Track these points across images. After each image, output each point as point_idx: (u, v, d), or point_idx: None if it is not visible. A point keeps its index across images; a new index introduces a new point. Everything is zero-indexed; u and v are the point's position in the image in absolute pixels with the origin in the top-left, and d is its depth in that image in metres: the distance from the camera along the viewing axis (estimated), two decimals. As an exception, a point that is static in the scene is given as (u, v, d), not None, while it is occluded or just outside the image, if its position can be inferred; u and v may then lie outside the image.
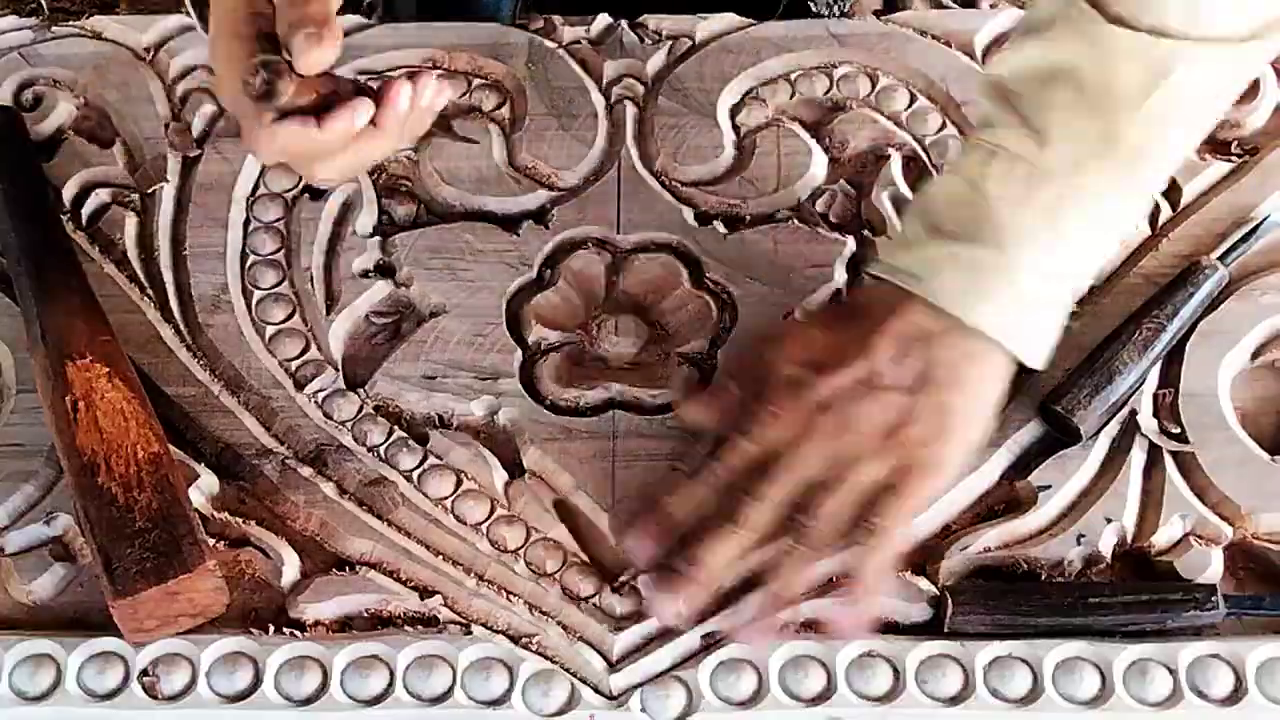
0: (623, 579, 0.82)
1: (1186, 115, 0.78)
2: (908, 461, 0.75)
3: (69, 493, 0.80)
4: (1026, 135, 0.76)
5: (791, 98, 1.00)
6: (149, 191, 0.96)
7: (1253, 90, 0.98)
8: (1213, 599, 0.78)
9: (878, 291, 0.79)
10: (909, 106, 0.99)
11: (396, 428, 0.87)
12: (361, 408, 0.88)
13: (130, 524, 0.76)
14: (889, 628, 0.81)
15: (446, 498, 0.85)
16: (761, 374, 0.78)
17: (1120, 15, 0.74)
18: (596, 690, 0.79)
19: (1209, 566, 0.80)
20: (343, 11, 0.79)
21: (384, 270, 0.94)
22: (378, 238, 0.95)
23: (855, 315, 0.79)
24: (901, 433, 0.75)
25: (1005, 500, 0.85)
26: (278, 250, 0.95)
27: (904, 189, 0.95)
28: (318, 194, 0.97)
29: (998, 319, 0.76)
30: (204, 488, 0.85)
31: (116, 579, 0.76)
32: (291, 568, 0.82)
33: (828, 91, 1.01)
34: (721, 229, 0.94)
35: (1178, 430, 0.85)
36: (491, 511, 0.85)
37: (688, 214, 0.95)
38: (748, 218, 0.95)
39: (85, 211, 0.96)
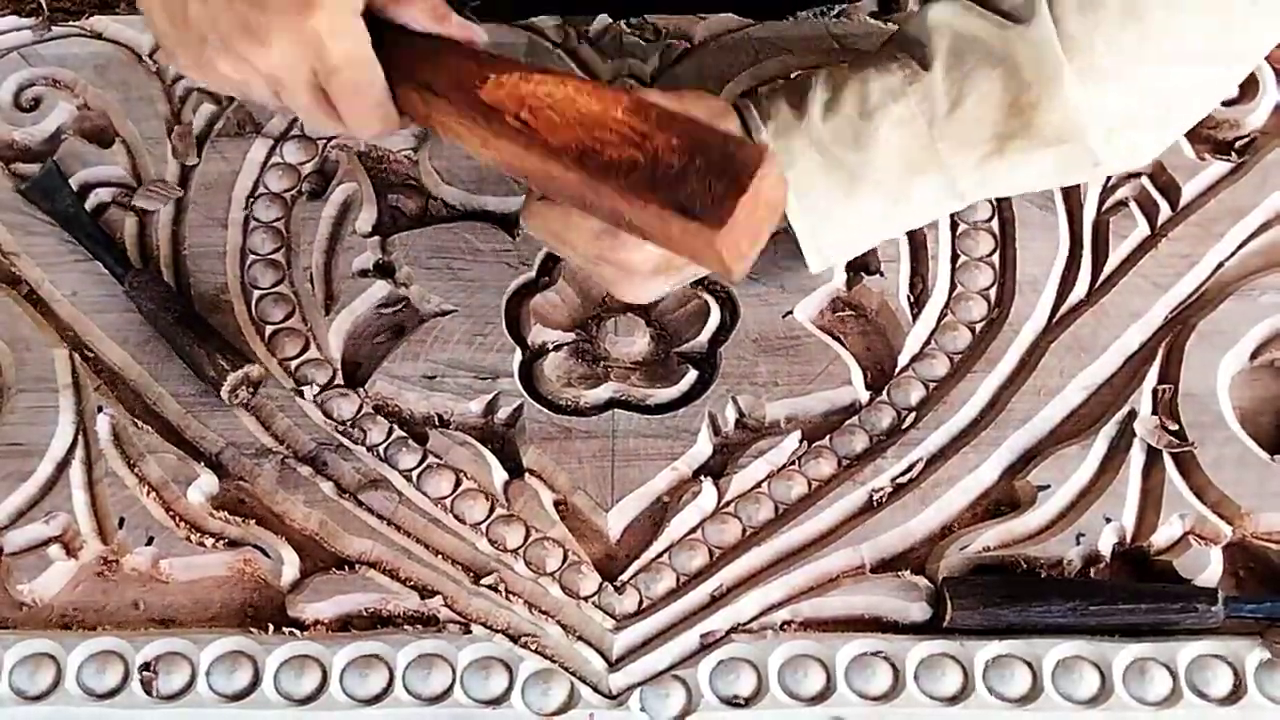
0: (622, 579, 0.82)
1: (1053, 174, 0.80)
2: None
3: (587, 198, 0.70)
4: (943, 97, 0.76)
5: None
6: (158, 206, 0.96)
7: (1252, 90, 0.98)
8: (1213, 608, 0.78)
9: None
10: (908, 106, 0.99)
11: (396, 427, 0.87)
12: (361, 407, 0.88)
13: (670, 169, 0.67)
14: (889, 627, 0.81)
15: (446, 497, 0.85)
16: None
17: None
18: (596, 689, 0.79)
19: (1208, 566, 0.80)
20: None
21: (383, 270, 0.94)
22: (377, 237, 0.95)
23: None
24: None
25: (1005, 500, 0.85)
26: (277, 249, 0.95)
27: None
28: (317, 193, 0.97)
29: (813, 238, 0.80)
30: (204, 487, 0.85)
31: (705, 217, 0.65)
32: (291, 567, 0.82)
33: (827, 91, 1.00)
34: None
35: (1176, 428, 0.85)
36: (491, 511, 0.85)
37: (687, 214, 0.95)
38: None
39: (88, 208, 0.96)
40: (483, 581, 0.82)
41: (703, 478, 0.85)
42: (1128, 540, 0.83)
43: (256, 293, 0.93)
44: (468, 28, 0.74)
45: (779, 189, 0.69)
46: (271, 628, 0.81)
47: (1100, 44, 0.75)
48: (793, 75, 0.98)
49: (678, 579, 0.82)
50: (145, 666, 0.79)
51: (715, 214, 0.66)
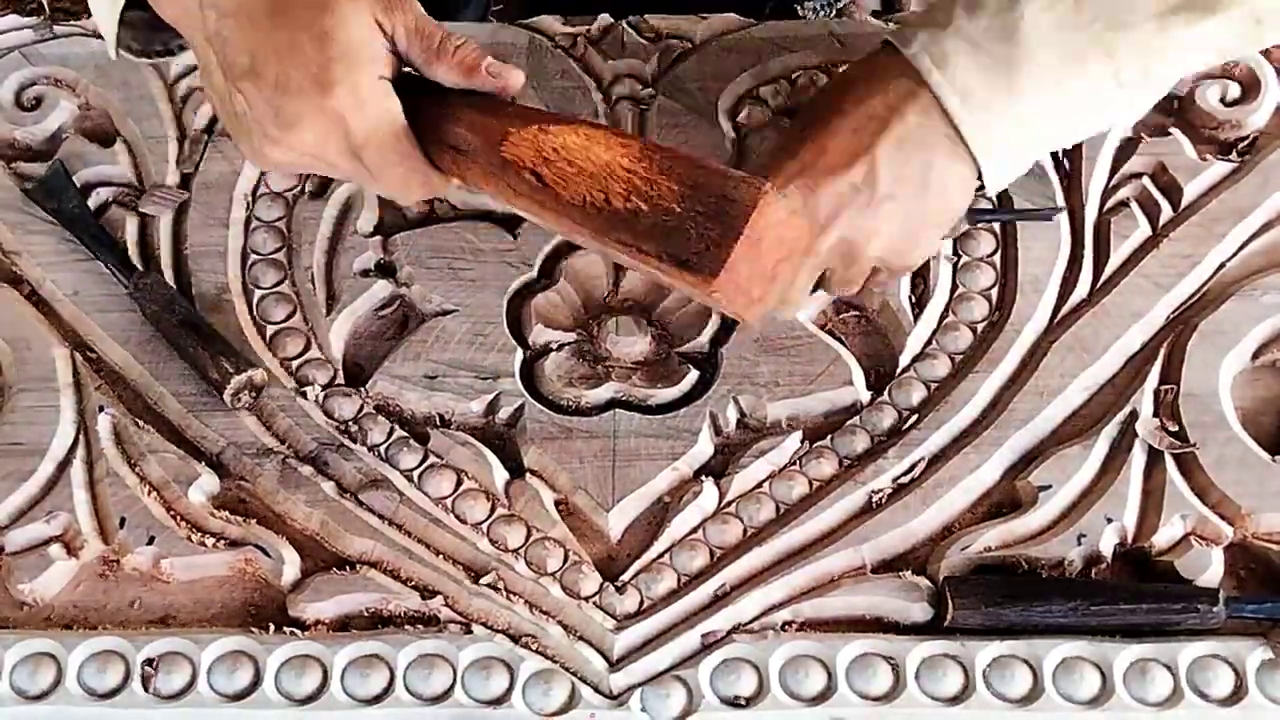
0: (623, 579, 0.82)
1: (1220, 46, 0.79)
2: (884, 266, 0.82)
3: (608, 251, 0.71)
4: None
5: (791, 98, 1.00)
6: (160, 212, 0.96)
7: (1254, 90, 0.98)
8: (1214, 609, 0.78)
9: (885, 64, 0.78)
10: (910, 106, 0.99)
11: (397, 427, 0.87)
12: (362, 407, 0.88)
13: (670, 216, 0.68)
14: (890, 628, 0.81)
15: (447, 497, 0.85)
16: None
17: None
18: (597, 689, 0.79)
19: (1209, 566, 0.80)
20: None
21: (384, 270, 0.94)
22: (378, 237, 0.95)
23: (856, 96, 0.78)
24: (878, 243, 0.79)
25: (1006, 500, 0.85)
26: (279, 249, 0.95)
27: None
28: (318, 193, 0.97)
29: (982, 135, 0.77)
30: (205, 487, 0.85)
31: (699, 267, 0.67)
32: (292, 567, 0.82)
33: (828, 91, 1.00)
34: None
35: (1176, 429, 0.85)
36: (492, 511, 0.85)
37: (688, 214, 0.95)
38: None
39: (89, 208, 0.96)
40: (481, 580, 0.82)
41: (704, 478, 0.85)
42: (1129, 541, 0.83)
43: (258, 292, 0.93)
44: (500, 77, 0.74)
45: (790, 227, 0.69)
46: (272, 627, 0.81)
47: None
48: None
49: (679, 579, 0.82)
50: (147, 662, 0.79)
51: (709, 264, 0.66)
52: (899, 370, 0.89)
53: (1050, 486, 0.84)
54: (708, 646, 0.80)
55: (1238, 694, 0.77)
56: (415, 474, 0.86)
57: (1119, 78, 0.77)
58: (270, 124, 0.72)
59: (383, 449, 0.87)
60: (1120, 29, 0.76)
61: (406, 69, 0.74)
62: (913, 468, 0.85)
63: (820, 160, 0.77)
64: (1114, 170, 0.96)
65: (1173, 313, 0.90)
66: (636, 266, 0.70)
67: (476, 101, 0.74)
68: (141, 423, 0.87)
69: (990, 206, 0.93)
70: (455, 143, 0.74)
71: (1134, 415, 0.86)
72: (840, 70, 0.77)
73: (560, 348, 0.91)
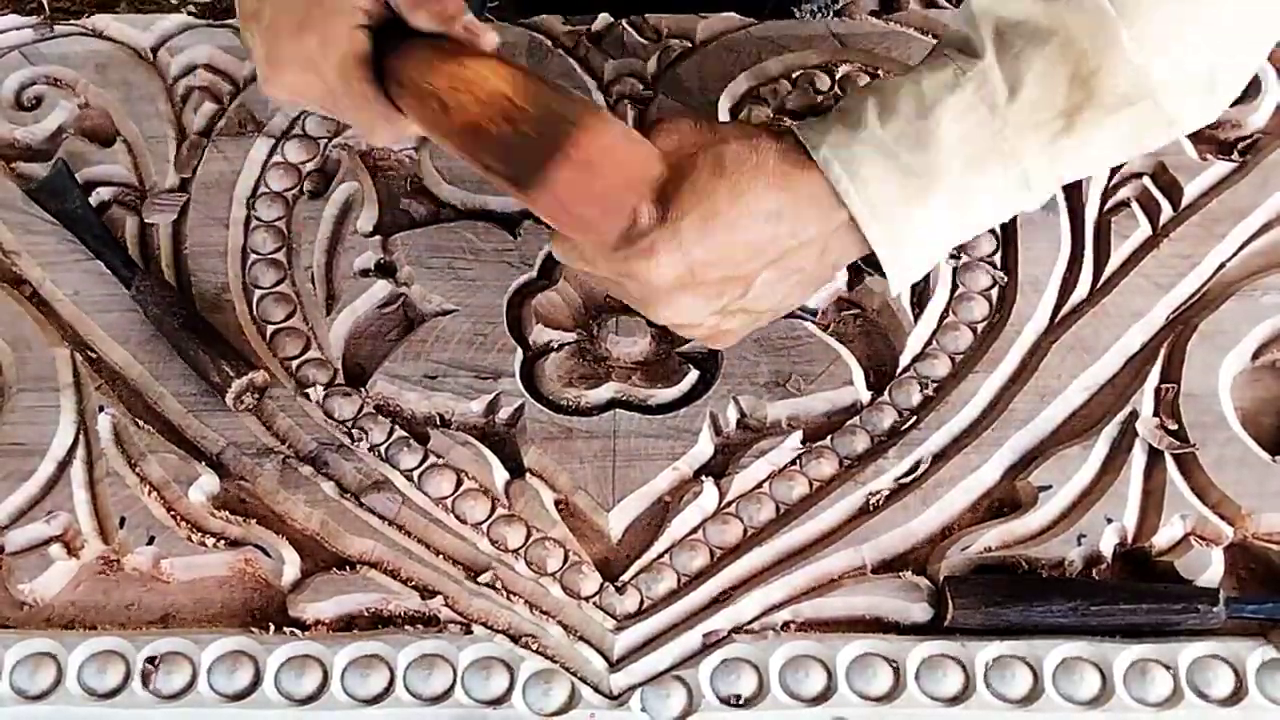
0: (623, 579, 0.82)
1: (1128, 141, 0.78)
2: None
3: (489, 178, 0.73)
4: (1000, 83, 0.74)
5: (792, 97, 1.00)
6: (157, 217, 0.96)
7: (1253, 90, 0.98)
8: (1214, 609, 0.78)
9: (791, 155, 0.76)
10: (910, 106, 0.99)
11: (397, 427, 0.87)
12: (362, 407, 0.88)
13: (517, 135, 0.70)
14: (890, 628, 0.81)
15: (447, 497, 0.85)
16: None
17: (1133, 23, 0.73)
18: (597, 689, 0.79)
19: (1209, 567, 0.80)
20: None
21: (384, 270, 0.94)
22: (378, 237, 0.95)
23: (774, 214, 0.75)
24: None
25: (1006, 500, 0.85)
26: (278, 249, 0.95)
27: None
28: (318, 193, 0.97)
29: (892, 245, 0.76)
30: (205, 487, 0.85)
31: (522, 180, 0.70)
32: (292, 567, 0.82)
33: (829, 91, 1.00)
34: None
35: (1176, 429, 0.85)
36: (492, 511, 0.85)
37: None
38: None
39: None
40: (480, 579, 0.82)
41: (704, 478, 0.85)
42: (1129, 541, 0.83)
43: (258, 292, 0.93)
44: (474, 29, 0.75)
45: (628, 152, 0.70)
46: (272, 627, 0.81)
47: (1150, 5, 0.72)
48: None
49: (679, 579, 0.82)
50: (149, 660, 0.79)
51: (530, 176, 0.68)
52: (899, 370, 0.89)
53: (1050, 486, 0.84)
54: (708, 647, 0.80)
55: (1238, 694, 0.77)
56: (415, 474, 0.86)
57: (1026, 178, 0.76)
58: (264, 63, 0.78)
59: (383, 449, 0.87)
60: (1028, 133, 0.75)
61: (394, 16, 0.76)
62: (916, 467, 0.85)
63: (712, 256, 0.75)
64: (1114, 170, 0.96)
65: (1173, 313, 0.90)
66: (509, 191, 0.72)
67: (443, 46, 0.75)
68: (141, 423, 0.87)
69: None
70: (400, 79, 0.76)
71: (1134, 415, 0.86)
72: (738, 142, 0.75)
73: (560, 348, 0.91)
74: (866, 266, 0.85)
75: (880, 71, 1.01)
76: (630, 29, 1.04)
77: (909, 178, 0.75)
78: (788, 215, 0.75)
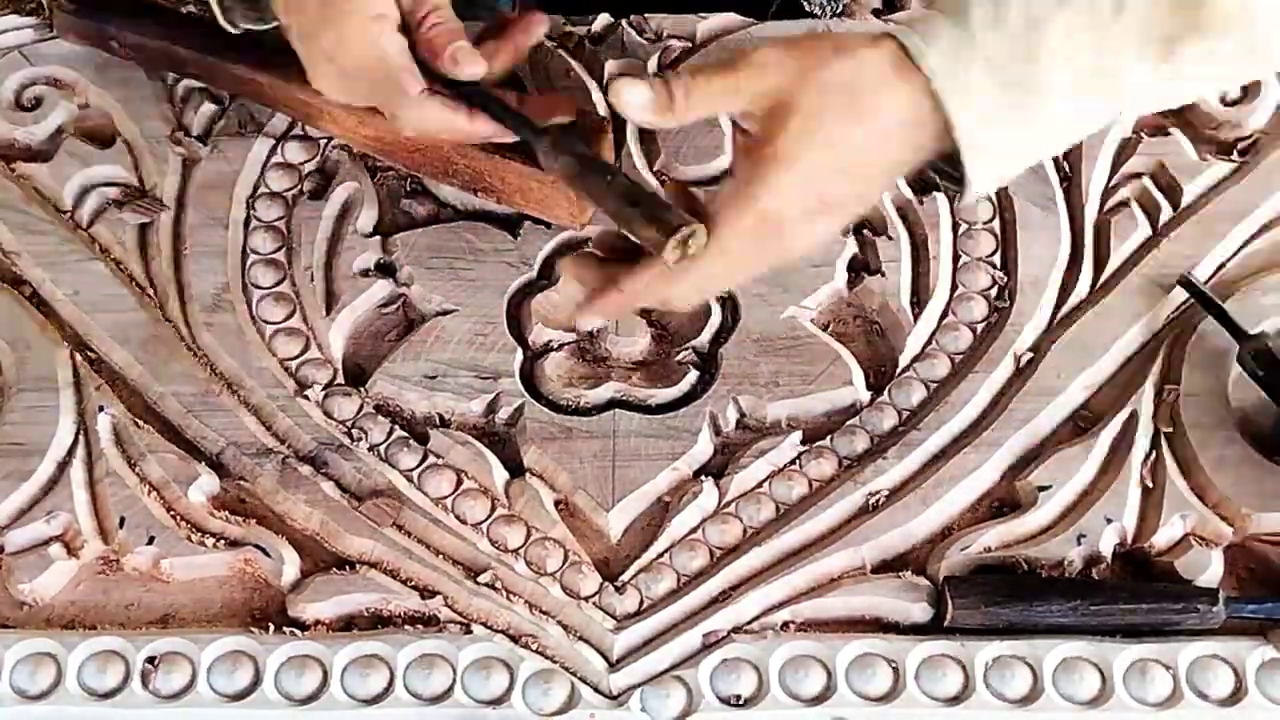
0: (623, 579, 0.82)
1: (1223, 71, 0.76)
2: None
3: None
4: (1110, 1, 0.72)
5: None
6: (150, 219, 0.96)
7: (1253, 90, 0.98)
8: (1214, 609, 0.78)
9: (894, 76, 0.72)
10: (910, 106, 0.99)
11: (397, 427, 0.87)
12: (362, 407, 0.88)
13: None
14: (890, 628, 0.81)
15: (447, 497, 0.85)
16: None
17: None
18: (596, 689, 0.79)
19: (1209, 567, 0.80)
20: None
21: (384, 269, 0.94)
22: (378, 237, 0.95)
23: (869, 106, 0.72)
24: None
25: (1006, 500, 0.85)
26: (278, 249, 0.95)
27: (904, 189, 0.95)
28: (318, 193, 0.97)
29: (983, 163, 0.73)
30: (205, 487, 0.85)
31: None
32: (292, 567, 0.82)
33: (828, 91, 1.00)
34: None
35: (1171, 429, 0.85)
36: (492, 511, 0.85)
37: (688, 214, 0.95)
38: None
39: (85, 211, 0.96)
40: (479, 579, 0.82)
41: (703, 478, 0.85)
42: (1129, 541, 0.83)
43: (257, 292, 0.93)
44: (458, 64, 0.80)
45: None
46: (272, 627, 0.81)
47: None
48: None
49: (678, 579, 0.82)
50: (149, 660, 0.79)
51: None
52: (899, 370, 0.89)
53: (1050, 486, 0.84)
54: (707, 647, 0.80)
55: (1237, 694, 0.77)
56: (415, 474, 0.86)
57: (1123, 96, 0.74)
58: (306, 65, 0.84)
59: (382, 449, 0.87)
60: (1130, 53, 0.73)
61: None
62: (921, 469, 0.85)
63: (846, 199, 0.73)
64: (1114, 170, 0.96)
65: (1173, 313, 0.90)
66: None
67: None
68: (141, 423, 0.88)
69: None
70: None
71: (1134, 415, 0.86)
72: (826, 64, 0.72)
73: (560, 348, 0.91)
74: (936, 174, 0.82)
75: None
76: (630, 29, 1.04)
77: (1014, 91, 0.72)
78: (893, 126, 0.72)
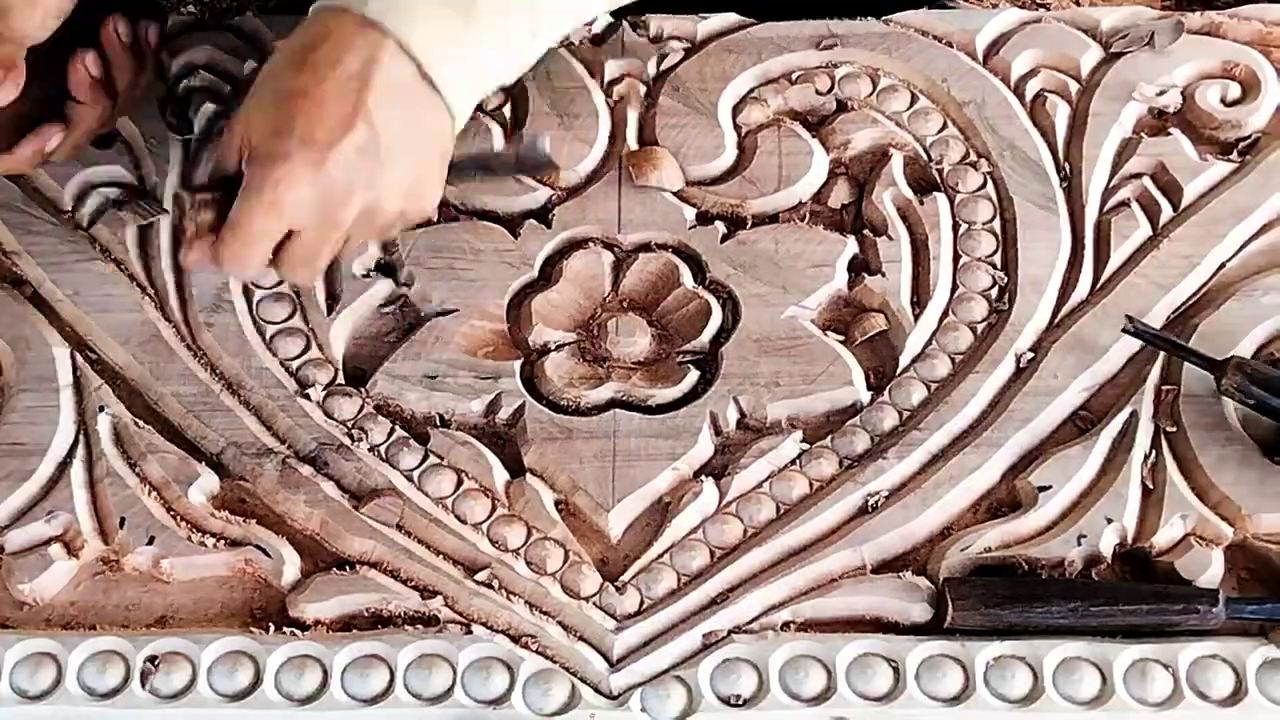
0: (623, 579, 0.82)
1: None
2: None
3: None
4: None
5: (791, 98, 1.00)
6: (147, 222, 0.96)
7: (1253, 90, 0.98)
8: (1214, 609, 0.78)
9: (343, 29, 0.77)
10: (910, 107, 0.99)
11: (397, 427, 0.87)
12: (362, 407, 0.88)
13: None
14: (890, 628, 0.81)
15: (447, 497, 0.85)
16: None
17: None
18: (597, 690, 0.79)
19: (1209, 567, 0.80)
20: (305, 9, 0.80)
21: (384, 269, 0.94)
22: (378, 237, 0.95)
23: (328, 60, 0.76)
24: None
25: (1006, 501, 0.85)
26: (278, 249, 0.94)
27: (905, 189, 0.95)
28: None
29: (452, 79, 0.78)
30: (205, 487, 0.85)
31: None
32: (292, 567, 0.83)
33: (829, 91, 1.01)
34: (722, 229, 0.94)
35: (1173, 429, 0.85)
36: (492, 511, 0.85)
37: (688, 213, 0.95)
38: (749, 218, 0.95)
39: (86, 211, 0.96)
40: (477, 578, 0.82)
41: (704, 478, 0.85)
42: (1129, 541, 0.83)
43: (258, 292, 0.93)
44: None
45: None
46: (272, 628, 0.81)
47: None
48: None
49: (678, 579, 0.82)
50: (150, 659, 0.79)
51: None
52: (899, 370, 0.89)
53: (1050, 486, 0.84)
54: (708, 646, 0.80)
55: (1237, 695, 0.77)
56: (415, 474, 0.86)
57: (534, 28, 0.82)
58: None
59: (383, 449, 0.87)
60: None
61: None
62: (921, 469, 0.85)
63: (319, 131, 0.75)
64: (1114, 170, 0.96)
65: (1173, 313, 0.90)
66: None
67: None
68: (141, 423, 0.88)
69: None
70: None
71: (1134, 415, 0.86)
72: (285, 41, 0.78)
73: (560, 348, 0.91)
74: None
75: (880, 72, 1.01)
76: (630, 29, 1.04)
77: (454, 14, 0.77)
78: (357, 66, 0.75)
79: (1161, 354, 0.88)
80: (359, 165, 0.76)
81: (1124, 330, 0.86)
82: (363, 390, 0.89)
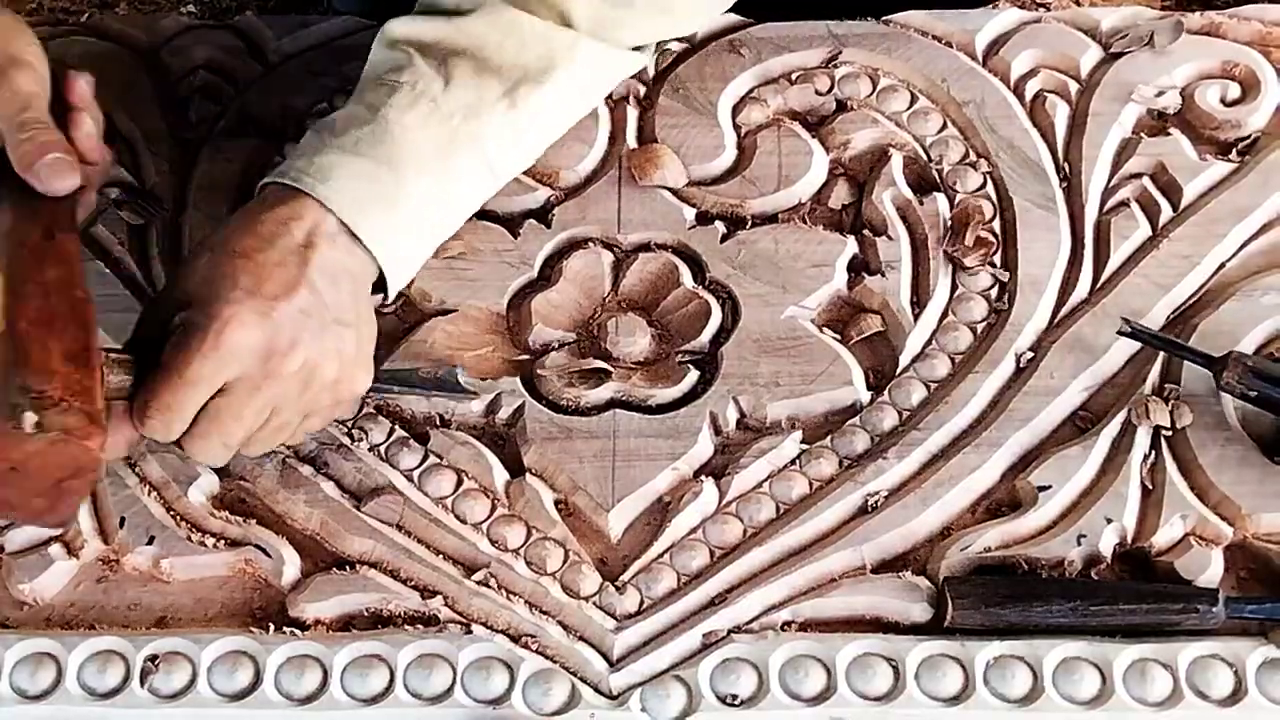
0: (623, 579, 0.82)
1: (574, 98, 0.87)
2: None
3: None
4: (434, 76, 0.80)
5: (792, 97, 1.00)
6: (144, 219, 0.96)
7: (1254, 90, 0.98)
8: (1214, 609, 0.78)
9: (273, 199, 0.77)
10: (909, 107, 0.99)
11: (397, 427, 0.87)
12: (362, 407, 0.88)
13: None
14: (890, 628, 0.81)
15: (447, 497, 0.85)
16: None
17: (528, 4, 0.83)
18: (597, 689, 0.79)
19: (1209, 567, 0.80)
20: (306, 9, 0.80)
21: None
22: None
23: (271, 232, 0.75)
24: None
25: (1006, 500, 0.85)
26: (278, 249, 0.94)
27: (904, 189, 0.95)
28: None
29: (379, 234, 0.78)
30: (205, 487, 0.85)
31: None
32: (292, 566, 0.83)
33: (829, 91, 1.01)
34: (722, 229, 0.95)
35: (1170, 431, 0.85)
36: (492, 511, 0.85)
37: (688, 213, 0.95)
38: (749, 218, 0.96)
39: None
40: (474, 577, 0.82)
41: (704, 478, 0.85)
42: (1129, 541, 0.83)
43: (257, 292, 0.92)
44: None
45: (59, 453, 0.66)
46: (272, 627, 0.81)
47: None
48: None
49: (678, 579, 0.82)
50: (150, 658, 0.79)
51: None
52: (899, 370, 0.89)
53: (1050, 486, 0.84)
54: (707, 646, 0.80)
55: (1237, 694, 0.77)
56: (415, 474, 0.86)
57: (492, 166, 0.83)
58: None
59: (383, 449, 0.87)
60: (480, 115, 0.81)
61: None
62: (921, 469, 0.85)
63: (266, 286, 0.73)
64: (1114, 170, 0.96)
65: (1173, 313, 0.90)
66: None
67: None
68: (141, 423, 0.87)
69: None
70: None
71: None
72: (233, 215, 0.78)
73: (560, 347, 0.91)
74: None
75: (879, 72, 1.01)
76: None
77: (381, 168, 0.78)
78: (289, 243, 0.75)
79: (1160, 356, 0.88)
80: (304, 322, 0.74)
81: (1120, 332, 0.86)
82: (362, 390, 0.89)
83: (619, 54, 0.88)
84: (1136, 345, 0.89)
